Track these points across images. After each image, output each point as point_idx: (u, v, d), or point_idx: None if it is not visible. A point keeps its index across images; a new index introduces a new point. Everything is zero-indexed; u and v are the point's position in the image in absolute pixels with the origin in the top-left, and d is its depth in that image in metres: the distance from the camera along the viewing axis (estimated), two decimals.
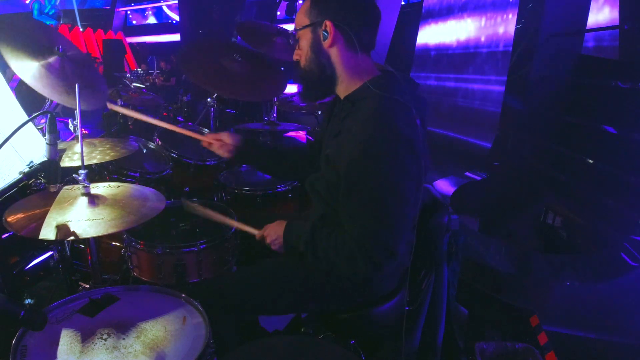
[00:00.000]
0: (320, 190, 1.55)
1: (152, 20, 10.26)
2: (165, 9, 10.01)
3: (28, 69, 1.69)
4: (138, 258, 1.88)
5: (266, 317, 1.96)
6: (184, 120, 4.22)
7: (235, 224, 1.82)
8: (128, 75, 5.08)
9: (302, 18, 1.47)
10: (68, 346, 1.21)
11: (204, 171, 2.75)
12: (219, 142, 1.81)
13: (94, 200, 1.48)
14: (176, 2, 9.04)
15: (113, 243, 2.15)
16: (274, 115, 3.27)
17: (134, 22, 10.35)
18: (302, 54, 1.49)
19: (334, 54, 1.45)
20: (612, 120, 2.97)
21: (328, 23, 1.41)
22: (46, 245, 2.10)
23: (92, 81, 1.96)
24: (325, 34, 1.42)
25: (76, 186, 1.52)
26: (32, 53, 1.70)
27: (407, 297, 1.68)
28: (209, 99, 3.10)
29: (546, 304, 2.39)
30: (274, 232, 1.58)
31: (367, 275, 1.50)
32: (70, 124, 2.07)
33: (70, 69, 1.81)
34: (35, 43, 1.74)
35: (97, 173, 2.36)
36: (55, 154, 1.47)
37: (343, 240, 1.39)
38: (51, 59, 1.74)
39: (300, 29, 1.48)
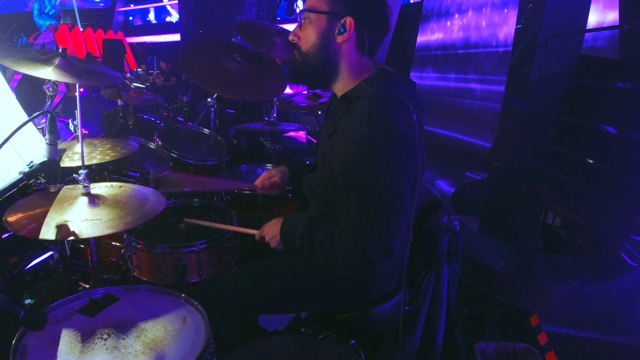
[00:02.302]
0: (317, 190, 1.55)
1: (152, 14, 10.26)
2: (168, 7, 10.02)
3: (48, 73, 1.73)
4: (138, 258, 1.88)
5: (266, 317, 1.96)
6: (184, 120, 4.22)
7: (235, 229, 1.85)
8: (128, 75, 5.08)
9: (319, 2, 1.40)
10: (68, 346, 1.21)
11: (204, 171, 2.75)
12: (269, 182, 1.85)
13: (94, 200, 1.48)
14: (176, 2, 9.06)
15: (113, 243, 2.15)
16: (274, 115, 3.27)
17: (134, 21, 10.36)
18: (306, 39, 1.43)
19: (343, 50, 1.42)
20: (612, 120, 2.97)
21: (350, 20, 1.38)
22: (46, 245, 2.10)
23: (97, 66, 2.05)
24: (343, 29, 1.38)
25: (76, 186, 1.52)
26: (41, 64, 1.74)
27: (406, 297, 1.68)
28: (209, 99, 3.10)
29: (546, 304, 2.39)
30: (271, 230, 1.58)
31: (362, 272, 1.49)
32: (71, 124, 2.07)
33: (75, 62, 1.84)
34: (37, 57, 1.78)
35: (97, 173, 2.36)
36: (56, 154, 1.47)
37: (340, 237, 1.39)
38: (56, 61, 1.76)
39: (313, 12, 1.41)
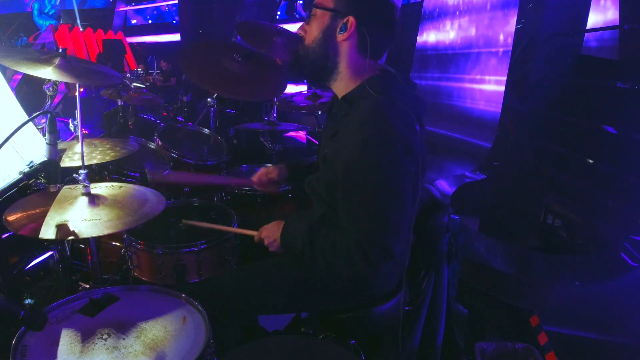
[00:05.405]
0: (319, 191, 1.55)
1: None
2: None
3: (48, 73, 1.73)
4: (138, 258, 1.88)
5: (266, 317, 1.96)
6: (184, 120, 4.22)
7: (234, 230, 1.85)
8: (128, 75, 5.08)
9: None
10: (68, 346, 1.21)
11: (204, 171, 2.75)
12: (267, 178, 1.87)
13: (94, 200, 1.48)
14: (176, 2, 9.06)
15: (113, 243, 2.15)
16: (274, 115, 3.28)
17: (134, 21, 10.35)
18: (310, 33, 1.45)
19: (343, 49, 1.43)
20: (612, 120, 2.97)
21: (352, 19, 1.38)
22: (46, 245, 2.10)
23: (97, 66, 2.06)
24: (344, 28, 1.39)
25: (76, 186, 1.52)
26: (41, 64, 1.74)
27: (406, 297, 1.68)
28: (209, 99, 3.10)
29: (546, 304, 2.39)
30: (271, 234, 1.57)
31: (364, 275, 1.49)
32: (71, 124, 2.07)
33: (75, 62, 1.84)
34: (37, 57, 1.79)
35: (97, 173, 2.36)
36: (56, 154, 1.47)
37: (341, 240, 1.39)
38: (57, 61, 1.76)
39: (319, 8, 1.42)
